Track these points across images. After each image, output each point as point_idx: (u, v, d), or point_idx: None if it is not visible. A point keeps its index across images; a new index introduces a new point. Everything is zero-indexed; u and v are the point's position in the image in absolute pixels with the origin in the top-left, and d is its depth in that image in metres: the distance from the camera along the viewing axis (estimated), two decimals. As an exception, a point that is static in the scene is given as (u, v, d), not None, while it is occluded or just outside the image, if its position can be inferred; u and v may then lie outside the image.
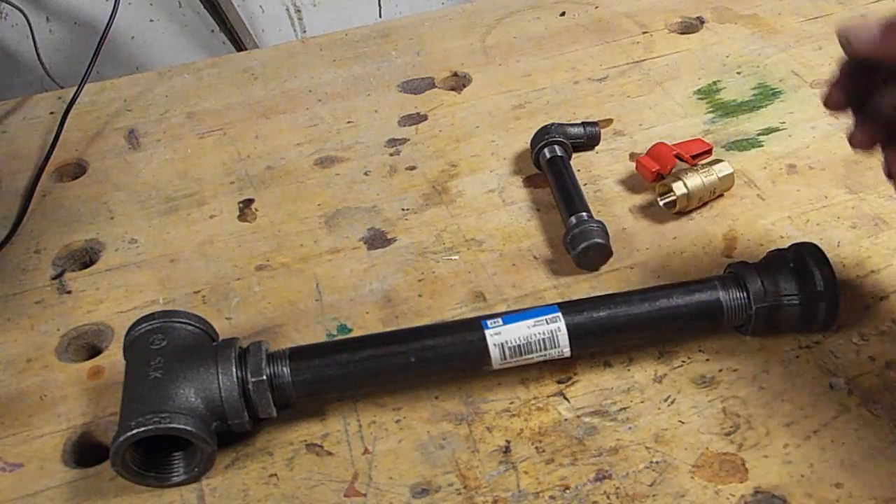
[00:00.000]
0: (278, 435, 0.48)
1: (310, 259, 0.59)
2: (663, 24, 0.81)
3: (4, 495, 0.46)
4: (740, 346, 0.51)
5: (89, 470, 0.47)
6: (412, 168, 0.67)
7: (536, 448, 0.46)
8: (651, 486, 0.44)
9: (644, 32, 0.80)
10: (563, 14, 0.84)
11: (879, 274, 0.55)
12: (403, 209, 0.63)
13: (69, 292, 0.58)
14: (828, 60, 0.75)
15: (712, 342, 0.51)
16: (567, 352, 0.48)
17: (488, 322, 0.47)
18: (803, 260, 0.49)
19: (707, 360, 0.50)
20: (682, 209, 0.59)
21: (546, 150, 0.64)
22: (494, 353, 0.47)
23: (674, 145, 0.62)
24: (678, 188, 0.59)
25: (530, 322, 0.47)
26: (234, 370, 0.45)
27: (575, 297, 0.52)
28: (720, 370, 0.50)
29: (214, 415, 0.45)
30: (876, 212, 0.60)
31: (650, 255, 0.58)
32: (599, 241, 0.55)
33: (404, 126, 0.72)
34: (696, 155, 0.62)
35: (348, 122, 0.72)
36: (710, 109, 0.71)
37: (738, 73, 0.74)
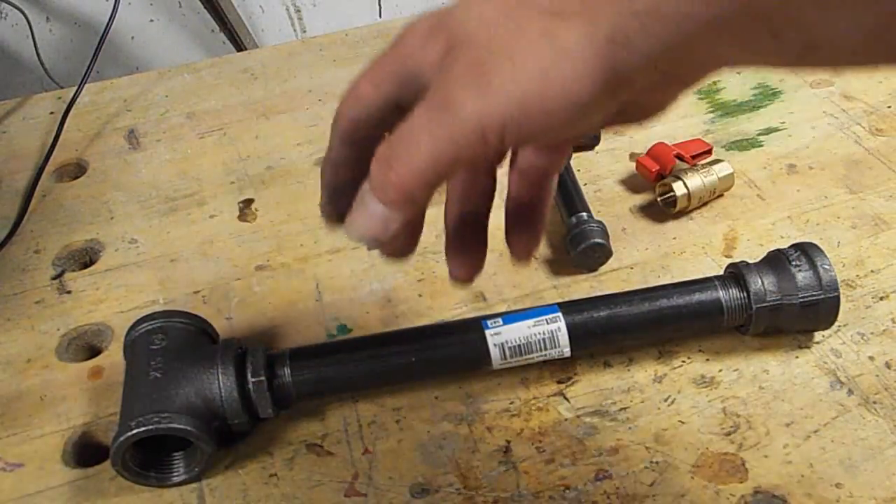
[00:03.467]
0: (278, 435, 0.48)
1: (310, 259, 0.59)
2: (663, 24, 0.81)
3: (4, 495, 0.46)
4: (740, 346, 0.51)
5: (89, 470, 0.47)
6: (412, 168, 0.67)
7: (537, 448, 0.46)
8: (651, 486, 0.44)
9: (644, 32, 0.80)
10: (563, 14, 0.84)
11: (879, 274, 0.55)
12: (403, 209, 0.63)
13: (69, 292, 0.58)
14: (828, 60, 0.75)
15: (712, 342, 0.51)
16: (567, 352, 0.48)
17: (488, 322, 0.47)
18: (803, 260, 0.49)
19: (707, 360, 0.50)
20: (682, 209, 0.59)
21: (546, 150, 0.63)
22: (494, 353, 0.47)
23: (674, 145, 0.62)
24: (678, 188, 0.59)
25: (530, 322, 0.47)
26: (234, 370, 0.45)
27: (575, 297, 0.51)
28: (720, 370, 0.50)
29: (214, 415, 0.45)
30: (876, 212, 0.60)
31: (650, 255, 0.58)
32: (599, 241, 0.55)
33: (404, 126, 0.71)
34: (696, 155, 0.62)
35: (348, 122, 0.72)
36: (710, 109, 0.71)
37: (738, 73, 0.74)
